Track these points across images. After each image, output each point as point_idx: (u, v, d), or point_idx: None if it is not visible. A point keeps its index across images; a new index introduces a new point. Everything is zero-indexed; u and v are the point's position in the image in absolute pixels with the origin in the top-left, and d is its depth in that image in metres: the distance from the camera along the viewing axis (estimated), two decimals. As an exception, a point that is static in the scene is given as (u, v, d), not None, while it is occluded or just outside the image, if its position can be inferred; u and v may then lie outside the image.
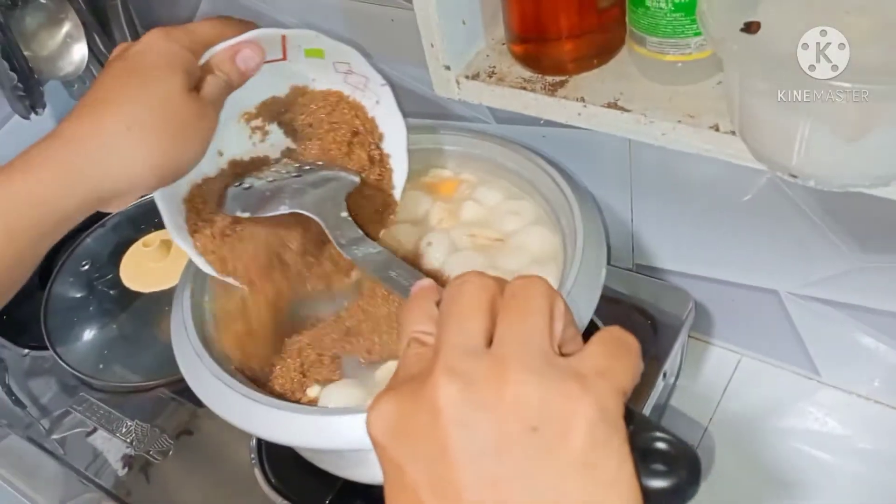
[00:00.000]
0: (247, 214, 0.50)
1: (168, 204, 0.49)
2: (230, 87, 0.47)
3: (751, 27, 0.37)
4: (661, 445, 0.27)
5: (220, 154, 0.53)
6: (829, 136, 0.37)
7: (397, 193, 0.55)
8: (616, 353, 0.27)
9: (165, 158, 0.43)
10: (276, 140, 0.55)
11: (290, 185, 0.51)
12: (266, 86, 0.52)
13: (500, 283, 0.29)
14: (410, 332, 0.30)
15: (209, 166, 0.52)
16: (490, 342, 0.27)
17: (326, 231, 0.49)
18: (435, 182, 0.63)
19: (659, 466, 0.26)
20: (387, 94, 0.54)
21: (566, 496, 0.24)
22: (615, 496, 0.25)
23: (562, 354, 0.27)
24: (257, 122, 0.54)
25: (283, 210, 0.49)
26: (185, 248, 0.49)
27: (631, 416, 0.27)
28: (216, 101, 0.46)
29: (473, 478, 0.24)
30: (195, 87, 0.45)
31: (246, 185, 0.52)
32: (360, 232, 0.49)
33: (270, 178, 0.52)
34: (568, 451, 0.24)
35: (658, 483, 0.26)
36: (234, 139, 0.53)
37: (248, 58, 0.47)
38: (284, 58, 0.51)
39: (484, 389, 0.25)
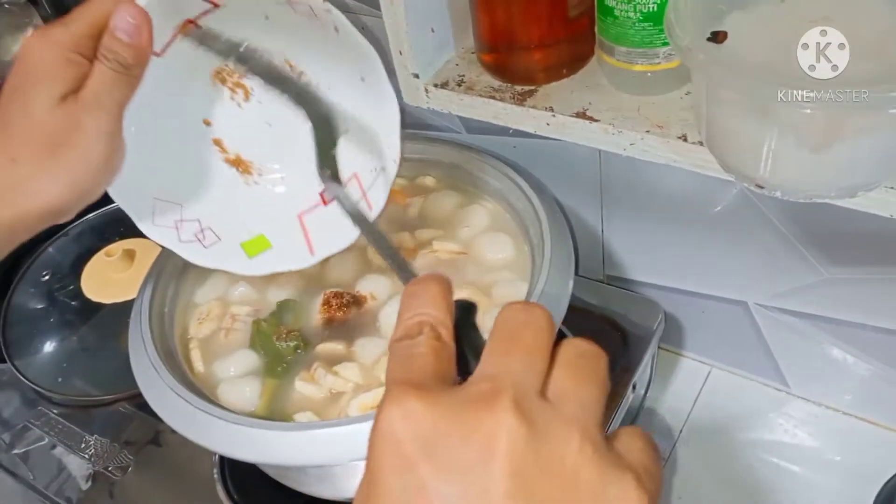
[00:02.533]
0: None
1: (130, 200, 0.45)
2: (127, 69, 0.38)
3: (717, 37, 0.37)
4: None
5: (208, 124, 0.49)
6: (794, 146, 0.37)
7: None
8: (650, 451, 0.25)
9: (58, 185, 0.37)
10: (262, 95, 0.50)
11: None
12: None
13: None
14: (422, 314, 0.26)
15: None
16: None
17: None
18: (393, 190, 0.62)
19: None
20: (341, 21, 0.43)
21: None
22: None
23: None
24: (232, 79, 0.49)
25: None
26: (161, 242, 0.46)
27: None
28: (100, 98, 0.38)
29: None
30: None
31: None
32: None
33: None
34: None
35: None
36: (215, 105, 0.49)
37: (127, 25, 0.38)
38: (216, 4, 0.44)
39: (550, 447, 0.23)
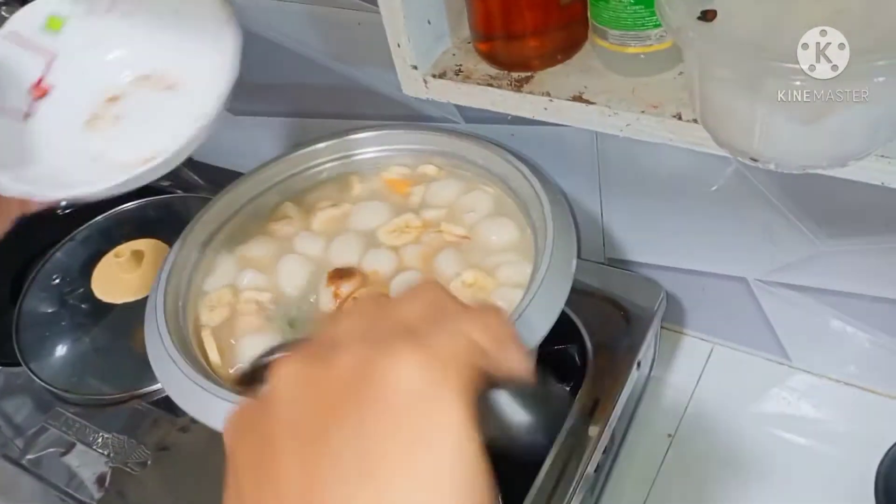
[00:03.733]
0: None
1: None
2: None
3: (707, 15, 0.38)
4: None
5: None
6: (786, 119, 0.38)
7: None
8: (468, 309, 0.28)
9: None
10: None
11: None
12: None
13: None
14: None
15: None
16: None
17: None
18: (395, 180, 0.63)
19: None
20: None
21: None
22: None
23: None
24: None
25: None
26: None
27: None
28: None
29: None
30: None
31: None
32: None
33: None
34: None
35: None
36: None
37: None
38: None
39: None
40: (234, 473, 0.26)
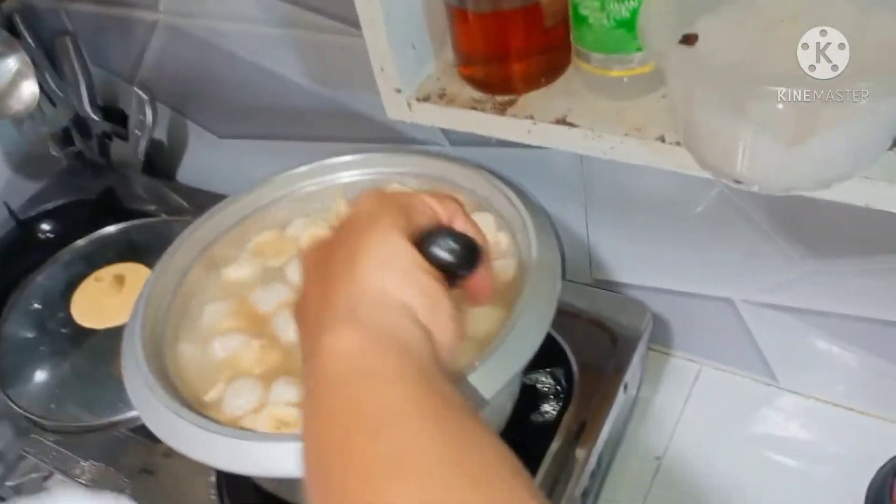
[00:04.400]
0: None
1: None
2: None
3: (689, 39, 0.38)
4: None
5: None
6: (769, 142, 0.38)
7: None
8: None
9: None
10: None
11: None
12: None
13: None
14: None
15: None
16: None
17: None
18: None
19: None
20: None
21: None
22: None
23: None
24: None
25: None
26: None
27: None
28: None
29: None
30: None
31: None
32: None
33: None
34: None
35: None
36: None
37: None
38: None
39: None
40: (304, 274, 0.40)
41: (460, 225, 0.41)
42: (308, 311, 0.37)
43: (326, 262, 0.38)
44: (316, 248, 0.40)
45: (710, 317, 0.67)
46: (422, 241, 0.39)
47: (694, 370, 0.71)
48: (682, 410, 0.69)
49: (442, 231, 0.40)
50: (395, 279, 0.36)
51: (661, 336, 0.71)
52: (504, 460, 0.31)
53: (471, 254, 0.40)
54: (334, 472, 0.30)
